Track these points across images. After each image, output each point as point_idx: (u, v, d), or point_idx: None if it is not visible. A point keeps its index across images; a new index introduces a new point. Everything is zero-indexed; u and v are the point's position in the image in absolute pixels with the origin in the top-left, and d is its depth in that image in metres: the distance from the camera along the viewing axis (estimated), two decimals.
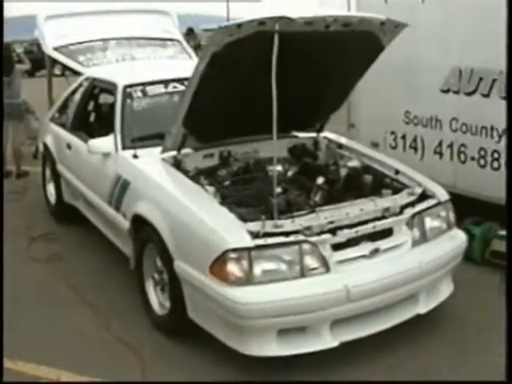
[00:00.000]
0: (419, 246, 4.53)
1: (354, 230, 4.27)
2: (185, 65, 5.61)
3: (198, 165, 5.10)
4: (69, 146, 6.52)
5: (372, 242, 4.33)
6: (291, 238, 4.07)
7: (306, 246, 4.07)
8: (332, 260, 4.14)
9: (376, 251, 4.31)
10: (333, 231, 4.20)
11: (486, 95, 5.94)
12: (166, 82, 5.89)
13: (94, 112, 6.84)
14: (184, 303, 4.40)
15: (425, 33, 6.25)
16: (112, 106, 5.87)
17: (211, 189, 4.63)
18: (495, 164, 5.95)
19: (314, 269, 4.09)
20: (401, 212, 4.52)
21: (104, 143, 5.45)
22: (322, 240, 4.13)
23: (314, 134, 5.78)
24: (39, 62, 11.04)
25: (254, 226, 4.08)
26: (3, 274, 4.99)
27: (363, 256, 4.27)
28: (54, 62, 8.11)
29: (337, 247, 4.20)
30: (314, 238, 4.11)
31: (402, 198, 4.66)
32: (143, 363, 4.41)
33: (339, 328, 4.16)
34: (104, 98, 6.68)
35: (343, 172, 5.15)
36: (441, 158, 6.44)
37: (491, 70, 5.84)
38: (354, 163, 5.28)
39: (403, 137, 6.79)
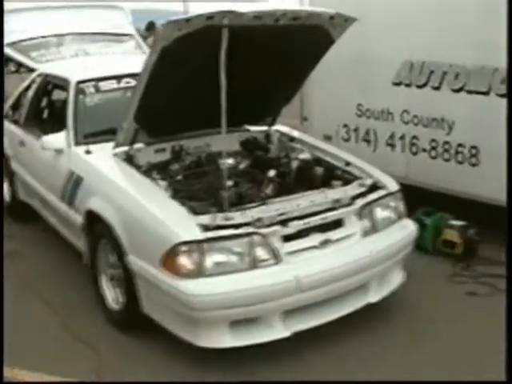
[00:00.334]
0: (369, 236, 4.59)
1: (305, 221, 4.31)
2: (138, 60, 5.58)
3: (150, 159, 5.11)
4: (22, 143, 6.47)
5: (322, 233, 4.38)
6: (241, 230, 4.10)
7: (256, 238, 4.11)
8: (282, 251, 4.19)
9: (326, 242, 4.36)
10: (283, 223, 4.24)
11: (437, 88, 6.04)
12: (118, 78, 5.87)
13: (47, 108, 6.79)
14: (138, 298, 4.42)
15: (376, 26, 6.32)
16: (65, 102, 5.83)
17: (163, 183, 4.65)
18: (446, 155, 6.05)
19: (264, 260, 4.13)
20: (351, 203, 4.57)
21: (57, 139, 5.41)
22: (272, 232, 4.17)
23: (265, 128, 5.82)
24: None
25: (205, 218, 4.11)
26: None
27: (313, 247, 4.32)
28: (9, 58, 8.03)
29: (287, 238, 4.24)
30: (264, 230, 4.14)
31: (353, 190, 4.72)
32: (98, 358, 4.41)
33: (291, 318, 4.22)
34: (57, 94, 6.63)
35: (294, 164, 5.19)
36: (393, 150, 6.53)
37: (442, 63, 5.95)
38: (305, 156, 5.32)
39: (356, 129, 6.86)
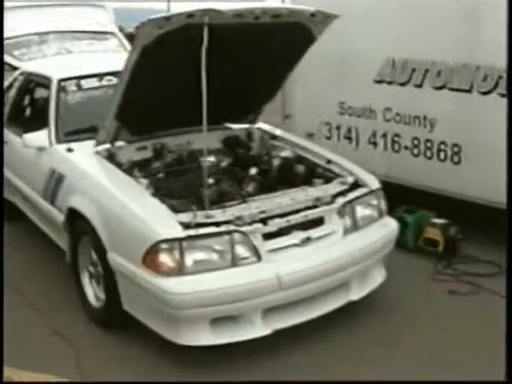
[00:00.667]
0: (351, 234, 4.60)
1: (286, 219, 4.32)
2: (120, 58, 5.58)
3: (132, 157, 5.11)
4: (4, 142, 6.45)
5: (303, 231, 4.39)
6: (222, 228, 4.11)
7: (236, 236, 4.12)
8: (263, 249, 4.20)
9: (307, 240, 4.37)
10: (264, 221, 4.24)
11: (419, 85, 6.05)
12: (100, 76, 5.87)
13: (29, 106, 6.77)
14: (118, 295, 4.42)
15: (358, 24, 6.32)
16: (47, 100, 5.82)
17: (144, 181, 4.65)
18: (428, 153, 6.07)
19: (245, 258, 4.14)
20: (332, 201, 4.58)
21: (38, 137, 5.40)
22: (252, 229, 4.17)
23: (247, 126, 5.82)
24: None
25: (186, 216, 4.12)
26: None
27: (294, 245, 4.33)
28: None
29: (268, 236, 4.25)
30: (244, 228, 4.15)
31: (334, 187, 4.73)
32: (78, 354, 4.42)
33: (272, 316, 4.23)
34: (39, 93, 6.61)
35: (276, 162, 5.21)
36: (375, 148, 6.53)
37: (424, 61, 5.96)
38: (286, 153, 5.33)
39: (338, 127, 6.86)
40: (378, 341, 4.51)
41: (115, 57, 6.89)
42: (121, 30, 8.38)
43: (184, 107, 4.74)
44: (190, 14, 4.25)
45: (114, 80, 5.69)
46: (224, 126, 5.73)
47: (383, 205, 4.92)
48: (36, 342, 4.62)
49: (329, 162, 5.14)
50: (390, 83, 6.31)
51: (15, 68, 7.10)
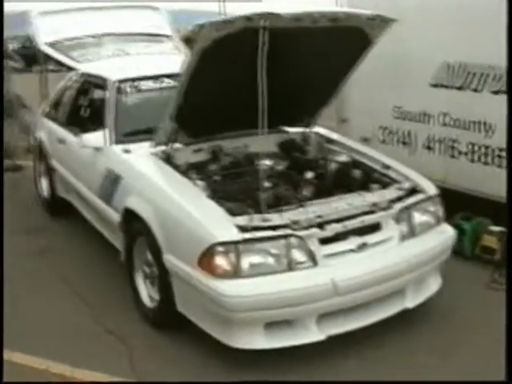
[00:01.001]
0: (407, 241, 4.55)
1: (342, 224, 4.29)
2: (176, 60, 5.62)
3: (189, 159, 5.12)
4: (62, 141, 6.55)
5: (360, 237, 4.35)
6: (279, 232, 4.09)
7: (293, 240, 4.10)
8: (319, 254, 4.17)
9: (364, 245, 4.34)
10: (321, 225, 4.22)
11: (476, 90, 5.95)
12: (157, 78, 5.92)
13: (86, 107, 6.84)
14: (173, 296, 4.43)
15: (415, 27, 6.26)
16: (104, 100, 5.88)
17: (201, 183, 4.66)
18: (485, 159, 5.97)
19: (301, 262, 4.12)
20: (389, 207, 4.54)
21: (96, 138, 5.47)
22: (309, 234, 4.15)
23: (304, 129, 5.79)
24: (34, 57, 11.04)
25: (242, 219, 4.12)
26: (3, 270, 5.05)
27: (351, 250, 4.29)
28: (49, 57, 8.12)
29: (324, 241, 4.22)
30: (301, 232, 4.13)
31: (391, 193, 4.69)
32: (131, 354, 4.45)
33: (326, 321, 4.20)
34: (96, 93, 6.69)
35: (332, 167, 5.18)
36: (431, 153, 6.45)
37: (481, 65, 5.86)
38: (343, 158, 5.30)
39: (393, 132, 6.80)
40: (433, 348, 4.45)
41: (171, 59, 6.93)
42: (177, 32, 8.40)
43: (241, 110, 4.75)
44: (249, 18, 4.25)
45: (171, 82, 5.75)
46: (280, 129, 5.73)
47: (440, 211, 4.86)
48: (89, 340, 4.67)
49: (385, 167, 5.10)
50: (446, 87, 6.23)
51: (72, 69, 7.19)
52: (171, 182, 4.72)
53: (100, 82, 6.20)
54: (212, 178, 4.93)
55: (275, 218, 4.17)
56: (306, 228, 4.17)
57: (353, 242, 4.32)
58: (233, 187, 4.79)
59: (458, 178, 6.23)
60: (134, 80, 5.87)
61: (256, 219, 4.12)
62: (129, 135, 5.45)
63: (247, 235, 4.02)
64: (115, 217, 5.14)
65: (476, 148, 6.05)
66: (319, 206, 4.38)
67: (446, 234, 4.86)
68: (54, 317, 5.01)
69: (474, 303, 5.04)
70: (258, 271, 4.04)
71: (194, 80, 4.60)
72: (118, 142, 5.39)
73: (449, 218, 5.13)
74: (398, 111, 6.70)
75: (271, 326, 4.09)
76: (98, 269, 5.78)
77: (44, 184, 7.45)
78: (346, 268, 4.20)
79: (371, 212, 4.47)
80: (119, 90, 5.76)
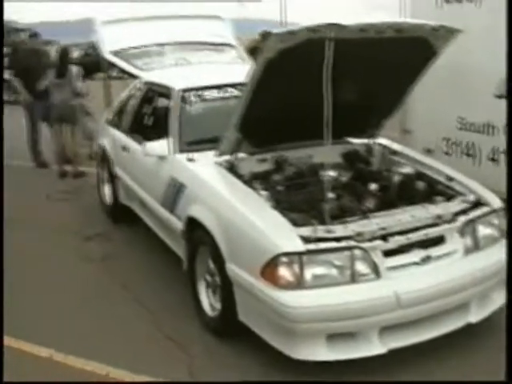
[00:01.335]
0: (471, 254, 4.49)
1: (406, 236, 4.26)
2: (240, 70, 5.67)
3: (252, 169, 5.15)
4: (125, 149, 6.64)
5: (423, 249, 4.31)
6: (343, 244, 4.09)
7: (357, 252, 4.09)
8: (383, 266, 4.15)
9: (427, 258, 4.30)
10: (384, 237, 4.20)
11: None
12: (221, 87, 5.97)
13: (149, 115, 6.94)
14: (235, 306, 4.45)
15: (479, 38, 6.20)
16: (168, 109, 5.95)
17: (264, 193, 4.66)
18: None
19: (364, 275, 4.10)
20: (453, 219, 4.49)
21: (159, 146, 5.53)
22: (373, 246, 4.13)
23: (367, 141, 5.77)
24: (96, 65, 11.22)
25: (306, 230, 4.12)
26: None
27: (414, 263, 4.26)
28: (112, 65, 8.26)
29: (388, 253, 4.20)
30: (365, 244, 4.12)
31: (455, 206, 4.64)
32: (191, 361, 4.48)
33: (389, 334, 4.16)
34: (160, 102, 6.77)
35: (396, 178, 5.13)
36: (496, 165, 6.36)
37: None
38: (407, 169, 5.25)
39: (457, 143, 6.73)
40: (496, 365, 4.37)
41: (234, 68, 6.98)
42: (238, 40, 8.47)
43: (305, 120, 4.77)
44: (314, 29, 4.26)
45: (234, 91, 5.79)
46: (344, 140, 5.72)
47: (505, 225, 4.78)
48: (149, 346, 4.71)
49: (450, 179, 5.05)
50: None
51: (136, 77, 7.29)
52: (235, 191, 4.75)
53: (164, 91, 6.27)
54: (276, 188, 4.93)
55: (339, 230, 4.17)
56: (370, 240, 4.15)
57: (416, 254, 4.28)
58: (296, 198, 4.79)
59: None
60: (198, 89, 5.92)
61: (320, 230, 4.11)
62: (192, 144, 5.49)
63: (311, 246, 4.02)
64: (178, 225, 5.18)
65: None
66: (383, 218, 4.36)
67: None
68: (114, 322, 5.08)
69: None
70: (320, 282, 4.04)
71: (259, 90, 4.62)
72: (181, 150, 5.44)
73: None
74: (462, 122, 6.62)
75: (333, 337, 4.07)
76: (160, 276, 5.83)
77: (107, 191, 7.56)
78: (410, 281, 4.16)
79: (435, 225, 4.42)
80: (183, 99, 5.82)
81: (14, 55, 11.13)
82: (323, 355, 4.09)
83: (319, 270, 4.04)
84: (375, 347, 4.12)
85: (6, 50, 11.59)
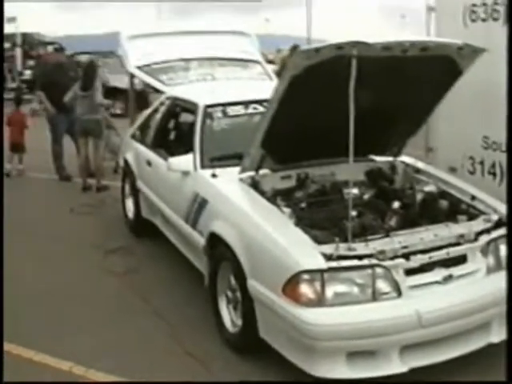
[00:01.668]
0: (494, 274, 4.47)
1: (428, 255, 4.25)
2: (264, 86, 5.69)
3: (275, 186, 5.16)
4: (149, 163, 6.68)
5: (445, 268, 4.30)
6: (364, 262, 4.08)
7: (378, 270, 4.08)
8: (404, 285, 4.14)
9: (449, 277, 4.28)
10: (406, 256, 4.19)
11: None
12: (245, 103, 5.99)
13: (174, 130, 6.98)
14: (256, 322, 4.45)
15: (504, 56, 6.17)
16: (192, 125, 5.98)
17: (287, 210, 4.67)
18: None
19: (386, 293, 4.10)
20: (476, 239, 4.48)
21: (183, 162, 5.55)
22: (395, 264, 4.13)
23: (391, 158, 5.77)
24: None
25: (328, 248, 4.12)
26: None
27: (436, 282, 4.24)
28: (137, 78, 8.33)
29: (410, 272, 4.19)
30: (387, 263, 4.11)
31: (478, 225, 4.62)
32: (211, 377, 4.48)
33: (409, 353, 4.14)
34: (184, 117, 6.81)
35: (419, 197, 5.12)
36: None
37: None
38: (430, 188, 5.24)
39: (481, 162, 6.68)
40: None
41: (259, 84, 7.01)
42: (263, 55, 8.52)
43: (328, 138, 4.77)
44: (340, 46, 4.29)
45: (259, 108, 5.81)
46: (368, 158, 5.72)
47: None
48: (169, 360, 4.73)
49: (473, 198, 5.02)
50: None
51: (161, 92, 7.35)
52: (257, 207, 4.76)
53: (189, 106, 6.31)
54: (298, 205, 4.94)
55: (361, 248, 4.16)
56: (392, 258, 4.15)
57: (438, 273, 4.27)
58: (319, 215, 4.80)
59: None
60: (222, 105, 5.95)
61: (342, 248, 4.11)
62: (216, 160, 5.52)
63: (333, 264, 4.03)
64: (200, 241, 5.20)
65: None
66: (405, 237, 4.35)
67: None
68: (134, 336, 5.09)
69: None
70: (342, 300, 4.04)
71: (283, 106, 4.64)
72: (204, 166, 5.46)
73: None
74: (487, 141, 6.58)
75: (353, 355, 4.06)
76: (181, 291, 5.84)
77: (129, 205, 7.59)
78: (431, 300, 4.15)
79: (457, 244, 4.41)
80: (208, 115, 5.85)
81: (39, 68, 11.23)
82: (343, 373, 4.07)
83: (340, 288, 4.05)
84: (396, 366, 4.10)
85: (31, 63, 11.74)
